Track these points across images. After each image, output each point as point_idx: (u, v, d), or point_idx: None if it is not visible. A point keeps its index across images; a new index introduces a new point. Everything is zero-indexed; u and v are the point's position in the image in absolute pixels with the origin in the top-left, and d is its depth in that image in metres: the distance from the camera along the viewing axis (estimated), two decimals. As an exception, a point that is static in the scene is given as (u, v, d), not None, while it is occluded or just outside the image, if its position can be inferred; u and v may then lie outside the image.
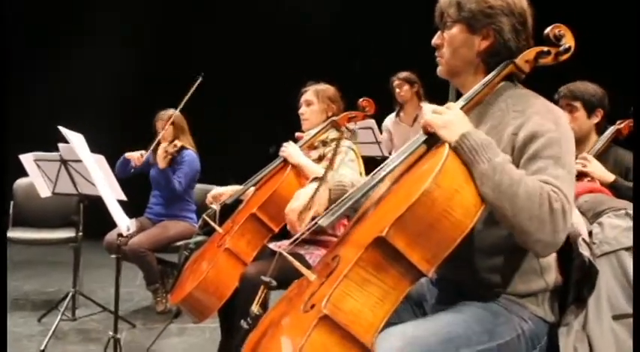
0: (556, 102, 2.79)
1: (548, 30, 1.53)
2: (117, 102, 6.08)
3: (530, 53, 1.53)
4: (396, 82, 4.75)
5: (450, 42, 1.56)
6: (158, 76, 5.98)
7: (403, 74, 4.73)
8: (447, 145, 1.33)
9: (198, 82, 3.70)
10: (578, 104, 2.72)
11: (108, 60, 6.05)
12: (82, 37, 6.09)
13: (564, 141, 1.40)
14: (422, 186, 1.23)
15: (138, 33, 6.23)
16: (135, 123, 4.60)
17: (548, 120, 1.42)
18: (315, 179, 1.68)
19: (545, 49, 1.52)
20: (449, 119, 1.40)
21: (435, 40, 1.61)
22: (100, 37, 6.06)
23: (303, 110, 2.90)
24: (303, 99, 2.92)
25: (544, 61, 1.54)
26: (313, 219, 1.56)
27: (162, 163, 3.96)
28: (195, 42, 6.29)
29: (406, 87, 4.70)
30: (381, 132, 4.75)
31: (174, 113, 4.02)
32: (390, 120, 4.90)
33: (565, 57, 1.53)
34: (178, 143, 4.04)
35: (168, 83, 6.03)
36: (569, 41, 1.53)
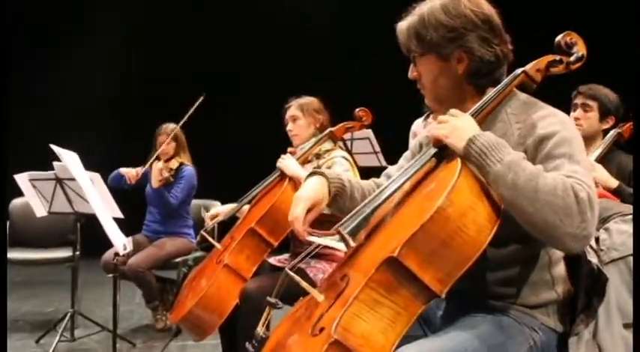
0: (570, 100, 2.78)
1: (559, 38, 1.50)
2: (116, 102, 6.10)
3: (541, 62, 1.49)
4: None
5: (425, 74, 1.52)
6: (158, 76, 6.01)
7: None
8: (459, 161, 1.29)
9: (200, 100, 3.65)
10: (594, 104, 2.72)
11: (108, 60, 6.11)
12: (82, 37, 6.14)
13: (574, 139, 1.36)
14: (435, 203, 1.20)
15: (138, 33, 6.27)
16: (134, 123, 4.57)
17: (554, 123, 1.39)
18: (311, 174, 1.59)
19: (557, 57, 1.49)
20: (453, 126, 1.36)
21: (410, 74, 1.56)
22: (99, 37, 6.11)
23: (290, 127, 2.87)
24: (288, 115, 2.88)
25: (556, 70, 1.50)
26: (317, 223, 1.50)
27: (155, 183, 3.89)
28: (195, 42, 6.33)
29: None
30: (409, 137, 4.65)
31: (175, 128, 3.99)
32: (417, 125, 4.77)
33: (577, 65, 1.49)
34: (175, 164, 3.99)
35: (168, 83, 6.11)
36: (581, 49, 1.49)
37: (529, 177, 1.23)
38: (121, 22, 6.20)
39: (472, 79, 1.49)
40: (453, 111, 1.43)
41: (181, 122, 3.85)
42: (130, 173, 3.93)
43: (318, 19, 6.17)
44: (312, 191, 1.53)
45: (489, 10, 1.48)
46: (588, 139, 2.72)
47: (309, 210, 1.49)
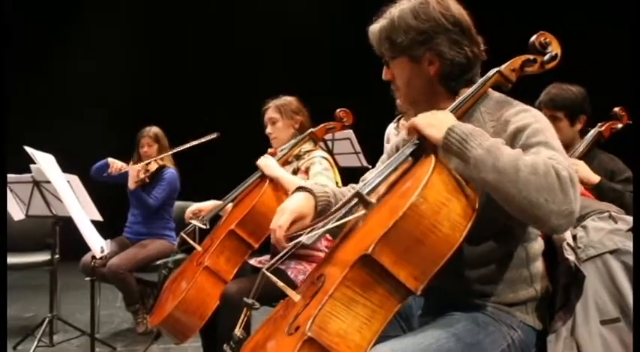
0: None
1: (533, 38, 1.51)
2: (116, 102, 6.07)
3: (516, 61, 1.51)
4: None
5: (399, 76, 1.54)
6: (158, 76, 5.97)
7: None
8: (432, 158, 1.30)
9: (212, 137, 3.48)
10: (560, 114, 2.69)
11: (107, 60, 6.10)
12: (82, 37, 6.17)
13: (547, 129, 1.38)
14: (408, 200, 1.19)
15: (138, 33, 6.29)
16: (135, 124, 4.52)
17: (526, 117, 1.40)
18: (299, 189, 1.61)
19: (531, 57, 1.50)
20: (433, 118, 1.37)
21: (384, 76, 1.59)
22: (100, 36, 6.12)
23: (269, 129, 2.84)
24: (266, 117, 2.86)
25: (530, 70, 1.51)
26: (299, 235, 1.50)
27: (131, 184, 3.86)
28: (195, 42, 6.35)
29: None
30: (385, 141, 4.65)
31: (158, 131, 4.04)
32: (390, 129, 4.78)
33: (552, 65, 1.51)
34: (154, 166, 3.97)
35: (168, 83, 6.09)
36: (555, 49, 1.51)
37: (510, 159, 1.23)
38: (120, 22, 6.26)
39: (444, 81, 1.51)
40: (433, 111, 1.44)
41: (182, 148, 3.73)
42: (116, 165, 3.89)
43: (301, 19, 6.19)
44: (297, 205, 1.54)
45: (459, 12, 1.49)
46: (568, 146, 2.73)
47: (292, 223, 1.50)
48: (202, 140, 3.49)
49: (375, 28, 1.55)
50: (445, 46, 1.46)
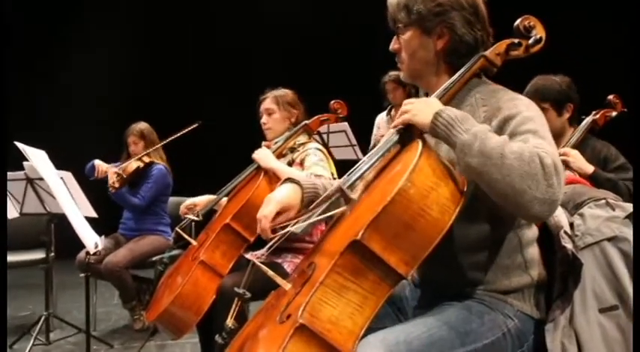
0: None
1: (517, 22, 1.51)
2: (116, 102, 6.06)
3: (500, 46, 1.51)
4: (390, 86, 4.53)
5: (406, 46, 1.55)
6: (158, 76, 5.97)
7: (394, 75, 4.42)
8: (420, 142, 1.29)
9: (194, 126, 3.61)
10: (546, 105, 2.68)
11: (107, 60, 6.10)
12: (82, 37, 6.15)
13: (537, 118, 1.38)
14: (396, 185, 1.19)
15: (138, 33, 6.27)
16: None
17: (517, 105, 1.41)
18: (287, 180, 1.61)
19: (516, 40, 1.50)
20: (418, 106, 1.38)
21: (392, 46, 1.59)
22: (100, 36, 6.13)
23: (265, 119, 2.82)
24: (262, 107, 2.83)
25: (515, 54, 1.51)
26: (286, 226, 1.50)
27: (111, 188, 3.80)
28: (195, 42, 6.35)
29: (400, 90, 4.46)
30: (373, 129, 4.64)
31: (145, 127, 3.98)
32: (381, 118, 4.78)
33: (536, 48, 1.50)
34: (132, 166, 3.89)
35: (168, 83, 6.08)
36: (539, 32, 1.50)
37: (495, 145, 1.23)
38: (120, 22, 6.25)
39: (449, 57, 1.52)
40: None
41: (169, 139, 3.80)
42: (101, 168, 3.86)
43: (300, 19, 6.19)
44: (285, 196, 1.56)
45: None
46: (557, 135, 2.71)
47: (278, 213, 1.52)
48: (185, 131, 3.55)
49: None
50: (458, 22, 1.49)
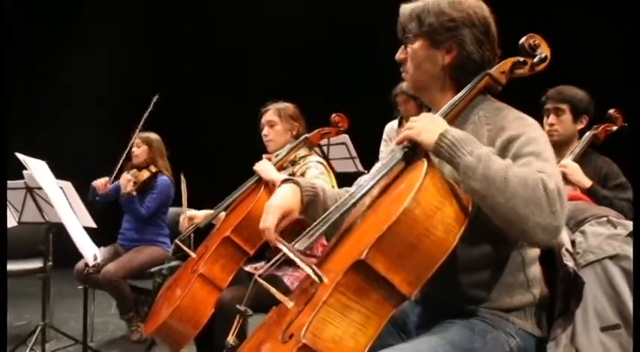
0: (541, 106, 2.78)
1: (522, 40, 1.52)
2: (116, 102, 6.06)
3: (505, 64, 1.51)
4: (401, 98, 4.31)
5: (413, 57, 1.55)
6: (158, 76, 5.97)
7: (406, 87, 4.35)
8: (425, 162, 1.29)
9: (154, 99, 3.72)
10: (565, 107, 2.72)
11: (107, 60, 6.11)
12: (82, 37, 6.18)
13: (541, 139, 1.38)
14: (401, 205, 1.18)
15: (138, 33, 6.30)
16: (135, 124, 4.51)
17: (522, 125, 1.40)
18: (285, 181, 1.58)
19: (521, 59, 1.50)
20: (423, 125, 1.38)
21: (398, 55, 1.59)
22: (100, 36, 6.15)
23: (266, 131, 2.82)
24: (264, 119, 2.84)
25: (520, 72, 1.51)
26: (288, 233, 1.48)
27: (128, 194, 3.84)
28: (195, 42, 6.35)
29: (411, 103, 4.22)
30: (384, 138, 4.61)
31: (153, 137, 4.03)
32: (391, 128, 4.74)
33: (541, 67, 1.51)
34: (145, 175, 3.93)
35: (168, 83, 6.07)
36: (544, 51, 1.51)
37: (499, 169, 1.23)
38: (120, 22, 6.28)
39: (455, 73, 1.52)
40: (423, 114, 1.45)
41: (138, 127, 3.90)
42: (100, 183, 3.87)
43: (299, 20, 6.21)
44: (283, 200, 1.53)
45: (490, 18, 1.52)
46: (565, 142, 2.73)
47: (281, 218, 1.49)
48: (149, 110, 3.73)
49: (407, 7, 1.57)
50: (468, 39, 1.49)
